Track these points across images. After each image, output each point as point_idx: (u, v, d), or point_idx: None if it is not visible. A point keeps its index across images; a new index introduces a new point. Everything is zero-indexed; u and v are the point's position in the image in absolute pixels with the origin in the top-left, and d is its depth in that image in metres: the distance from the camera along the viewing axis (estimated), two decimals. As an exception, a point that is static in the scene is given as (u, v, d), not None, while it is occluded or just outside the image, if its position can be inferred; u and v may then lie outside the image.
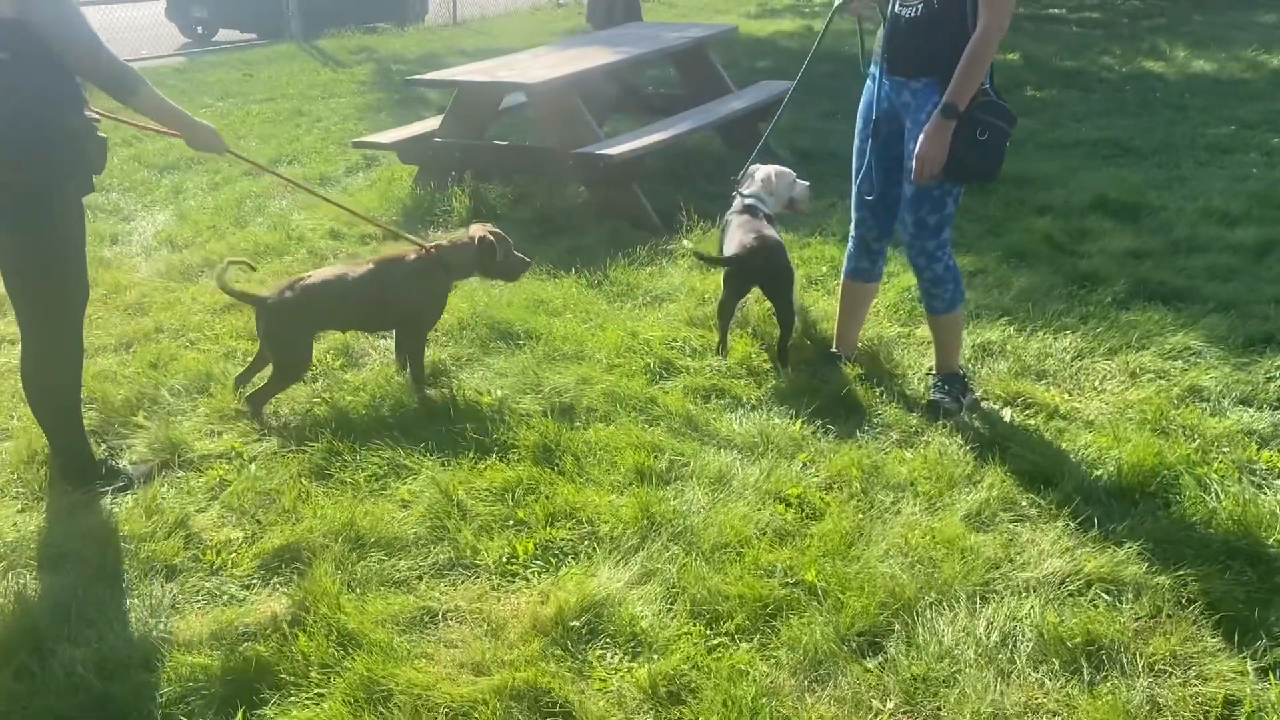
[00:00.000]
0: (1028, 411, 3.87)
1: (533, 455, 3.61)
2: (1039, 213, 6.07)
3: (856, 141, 3.96)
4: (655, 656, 2.67)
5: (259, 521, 3.33)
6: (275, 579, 3.06)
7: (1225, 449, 3.55)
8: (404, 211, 6.48)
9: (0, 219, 3.16)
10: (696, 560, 3.01)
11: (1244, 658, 2.59)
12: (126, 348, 4.62)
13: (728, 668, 2.61)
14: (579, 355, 4.35)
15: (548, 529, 3.23)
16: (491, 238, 4.15)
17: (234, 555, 3.17)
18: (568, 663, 2.66)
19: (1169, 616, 2.75)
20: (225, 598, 3.00)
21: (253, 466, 3.63)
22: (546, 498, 3.36)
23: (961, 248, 5.45)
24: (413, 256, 4.15)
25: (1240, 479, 3.34)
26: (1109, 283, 4.99)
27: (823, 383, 4.05)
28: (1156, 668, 2.58)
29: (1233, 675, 2.54)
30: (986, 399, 3.96)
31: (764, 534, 3.15)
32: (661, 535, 3.14)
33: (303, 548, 3.14)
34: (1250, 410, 3.79)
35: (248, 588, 3.04)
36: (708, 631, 2.76)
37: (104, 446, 3.76)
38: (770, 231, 4.37)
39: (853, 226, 4.11)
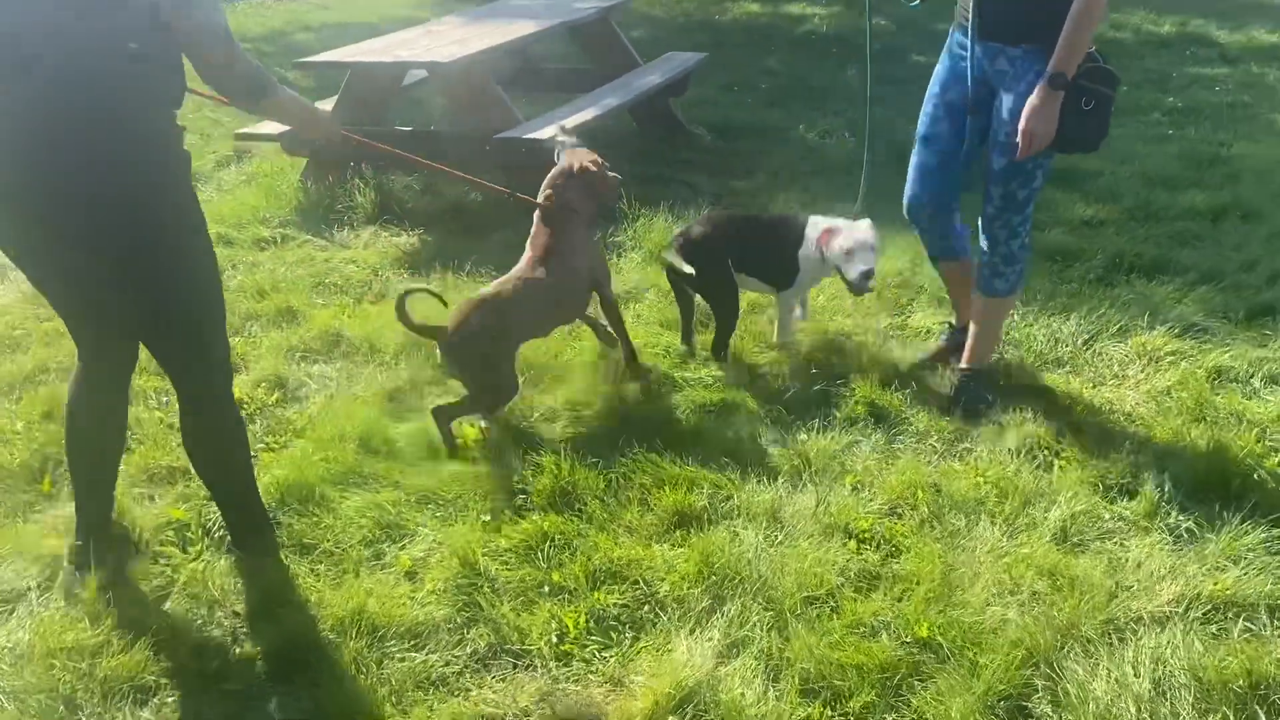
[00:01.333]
0: (1063, 408, 3.60)
1: (549, 501, 3.10)
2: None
3: (928, 110, 3.56)
4: (783, 754, 2.25)
5: (238, 614, 2.72)
6: (281, 691, 2.47)
7: (1278, 435, 3.36)
8: (299, 210, 5.75)
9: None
10: (787, 622, 2.59)
11: None
12: (8, 395, 3.83)
13: (873, 761, 2.21)
14: (560, 372, 3.85)
15: (594, 594, 2.75)
16: (587, 168, 3.73)
17: (219, 663, 2.55)
18: (686, 777, 2.21)
19: (1319, 641, 2.51)
20: (219, 722, 2.40)
21: (205, 542, 2.99)
22: (582, 554, 2.88)
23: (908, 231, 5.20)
24: (568, 228, 3.65)
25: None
26: (1083, 257, 4.82)
27: (837, 388, 3.68)
28: (1334, 706, 2.33)
29: None
30: (1015, 394, 3.67)
31: (848, 580, 2.76)
32: (734, 592, 2.70)
33: (308, 647, 2.56)
34: (1287, 391, 3.63)
35: (249, 706, 2.44)
36: (830, 713, 2.36)
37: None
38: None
39: (906, 202, 3.72)
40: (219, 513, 2.96)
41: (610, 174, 3.83)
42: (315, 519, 3.04)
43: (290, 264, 5.06)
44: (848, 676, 2.43)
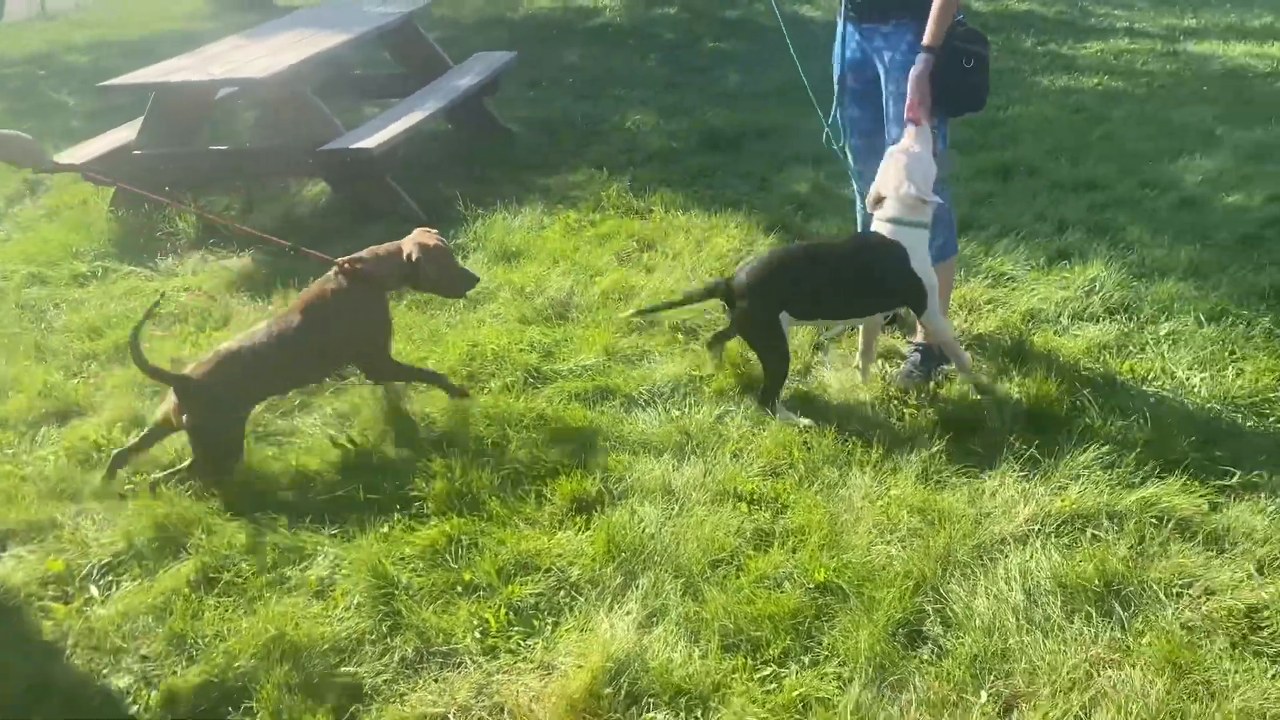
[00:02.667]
0: (895, 358, 3.91)
1: (447, 505, 3.15)
2: (796, 162, 6.20)
3: (837, 97, 3.84)
4: (716, 706, 2.41)
5: (147, 658, 2.65)
6: (212, 729, 2.45)
7: (1092, 365, 3.78)
8: (114, 241, 5.50)
9: None
10: (698, 586, 2.76)
11: (1235, 560, 2.76)
12: None
13: (799, 699, 2.40)
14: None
15: (509, 587, 2.83)
16: (427, 251, 3.55)
17: (138, 708, 2.50)
18: (632, 740, 2.33)
19: (1151, 538, 2.87)
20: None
21: (94, 589, 2.89)
22: (490, 551, 2.95)
23: (738, 205, 5.48)
24: (336, 285, 3.48)
25: (1122, 393, 3.56)
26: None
27: (705, 366, 3.87)
28: (1172, 591, 2.68)
29: (1237, 582, 2.69)
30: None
31: (745, 540, 2.95)
32: (643, 566, 2.84)
33: (232, 679, 2.53)
34: (1091, 325, 4.07)
35: (178, 747, 2.40)
36: (752, 663, 2.53)
37: None
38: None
39: (853, 180, 3.96)
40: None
41: (460, 268, 3.72)
42: (211, 551, 2.98)
43: (118, 298, 4.85)
44: (762, 627, 2.61)
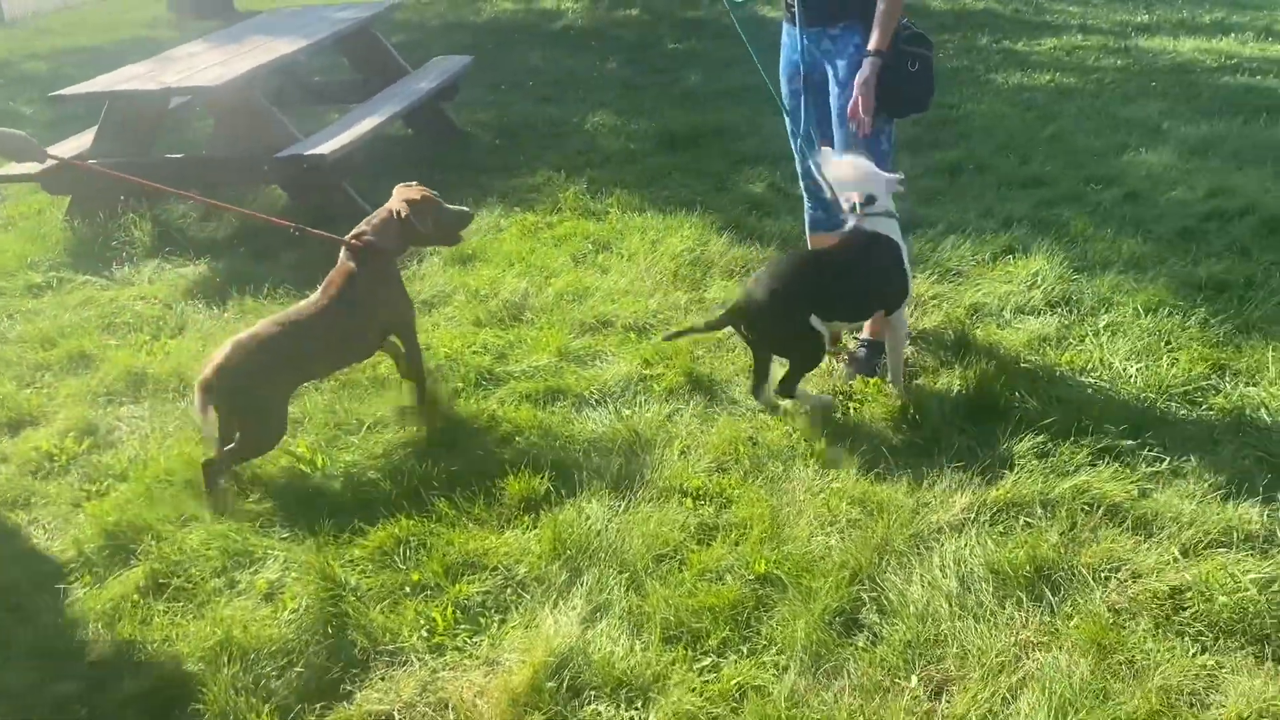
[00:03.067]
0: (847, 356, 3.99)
1: (395, 505, 3.20)
2: (752, 162, 6.27)
3: (786, 100, 3.90)
4: (655, 696, 2.47)
5: (94, 664, 2.68)
6: (160, 731, 2.48)
7: (1032, 357, 3.86)
8: (69, 251, 5.50)
9: None
10: (642, 581, 2.82)
11: (1162, 544, 2.84)
12: None
13: (736, 687, 2.47)
14: (378, 383, 3.92)
15: (456, 586, 2.88)
16: (414, 207, 3.58)
17: (86, 713, 2.53)
18: (572, 732, 2.39)
19: (1083, 524, 2.95)
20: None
21: (45, 599, 2.92)
22: (438, 551, 3.00)
23: (693, 205, 5.54)
24: (355, 264, 3.51)
25: (1060, 384, 3.65)
26: (849, 220, 5.27)
27: (656, 364, 3.93)
28: (1100, 576, 2.77)
29: (1163, 565, 2.77)
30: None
31: (689, 534, 3.01)
32: (589, 562, 2.90)
33: (180, 682, 2.57)
34: (1032, 318, 4.16)
35: (127, 752, 2.43)
36: (692, 654, 2.59)
37: None
38: None
39: (801, 179, 4.02)
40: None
41: (449, 209, 3.72)
42: (161, 557, 3.01)
43: (73, 308, 4.85)
44: (703, 619, 2.67)
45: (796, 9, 3.69)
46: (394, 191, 3.70)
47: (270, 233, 5.62)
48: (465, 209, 3.83)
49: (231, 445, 3.31)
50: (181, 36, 8.22)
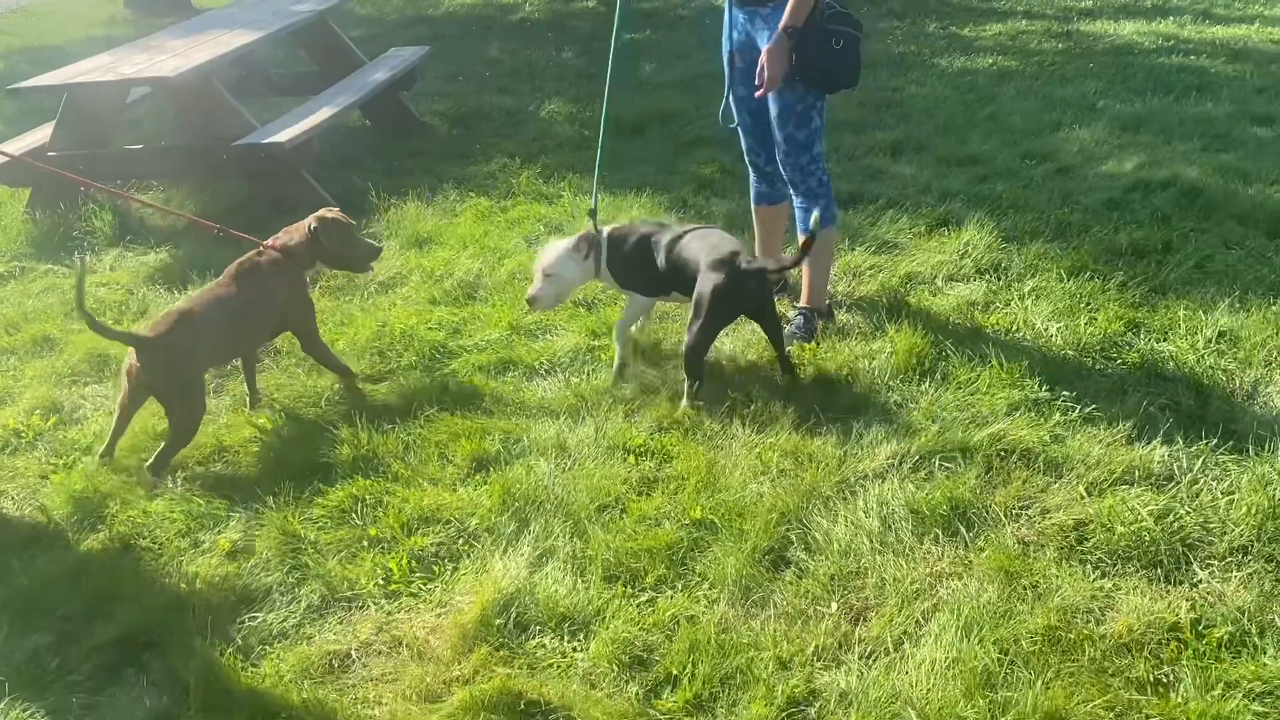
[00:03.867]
0: (787, 322, 4.17)
1: (353, 468, 3.36)
2: (700, 146, 6.46)
3: (727, 75, 4.07)
4: (595, 629, 2.64)
5: (66, 618, 2.82)
6: (129, 671, 2.63)
7: (960, 320, 4.07)
8: (31, 242, 5.60)
9: None
10: (585, 529, 2.99)
11: (1070, 484, 3.05)
12: None
13: (670, 618, 2.65)
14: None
15: (410, 539, 3.04)
16: (323, 223, 3.77)
17: (59, 661, 2.67)
18: (518, 661, 2.56)
19: (998, 468, 3.15)
20: (76, 712, 2.53)
21: (14, 562, 3.06)
22: (393, 509, 3.16)
23: (642, 187, 5.71)
24: (264, 259, 3.71)
25: (985, 344, 3.86)
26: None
27: (603, 335, 4.11)
28: (1011, 513, 2.97)
29: (1069, 502, 2.98)
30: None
31: (630, 487, 3.19)
32: (536, 514, 3.07)
33: (149, 629, 2.72)
34: (962, 285, 4.37)
35: (99, 693, 2.58)
36: (631, 590, 2.77)
37: None
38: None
39: (745, 155, 4.21)
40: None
41: (362, 240, 3.96)
42: (127, 521, 3.16)
43: (36, 295, 4.96)
44: (640, 560, 2.85)
45: None
46: (317, 211, 3.90)
47: (230, 220, 5.72)
48: (376, 245, 4.04)
49: (165, 443, 3.42)
50: (139, 35, 8.28)
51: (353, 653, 2.64)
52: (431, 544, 3.02)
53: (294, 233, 3.82)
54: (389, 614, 2.78)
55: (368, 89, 6.45)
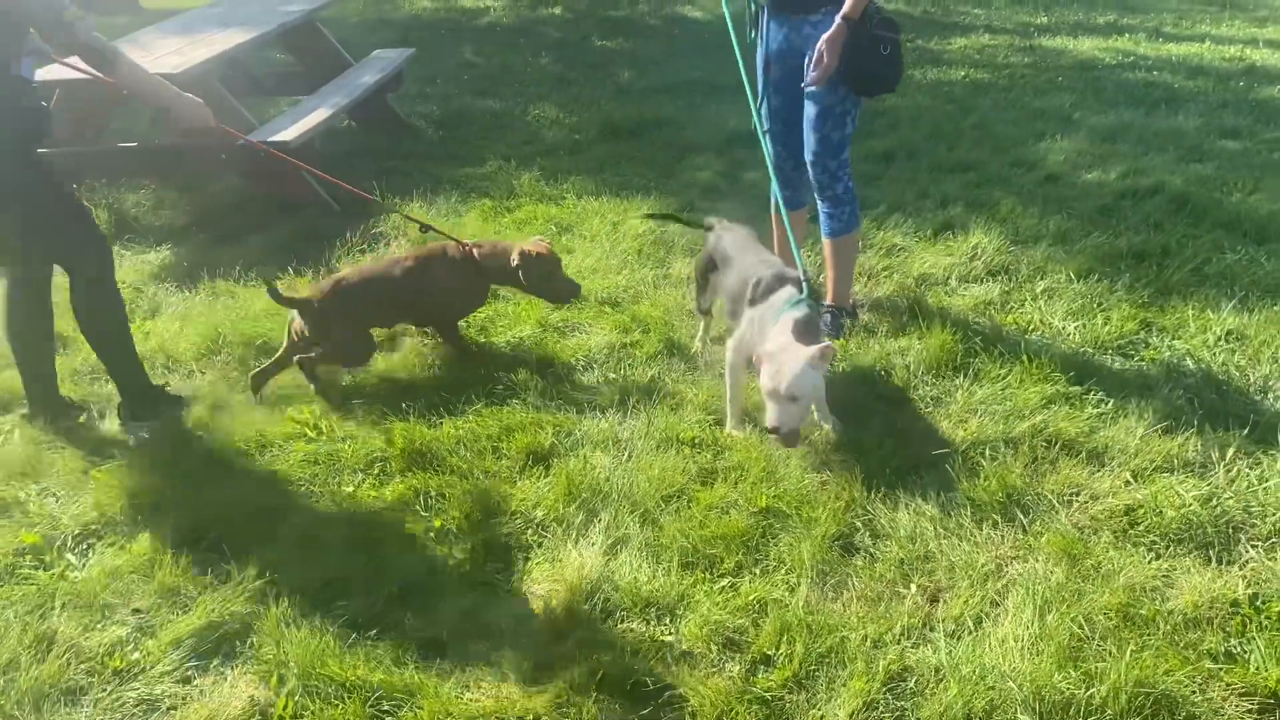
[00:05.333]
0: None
1: (408, 462, 3.37)
2: (697, 151, 6.55)
3: (762, 90, 4.07)
4: (683, 613, 2.70)
5: (139, 611, 2.80)
6: (215, 661, 2.62)
7: (980, 319, 4.21)
8: (24, 239, 5.46)
9: None
10: (655, 518, 3.05)
11: (1114, 471, 3.19)
12: None
13: (756, 602, 2.72)
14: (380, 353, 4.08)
15: (478, 533, 3.07)
16: (528, 258, 3.93)
17: (140, 655, 2.65)
18: (613, 645, 2.60)
19: (1043, 457, 3.28)
20: (166, 705, 2.51)
21: (71, 556, 3.02)
22: (455, 501, 3.18)
23: (647, 190, 5.79)
24: (451, 252, 4.03)
25: (1008, 341, 4.00)
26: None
27: (634, 332, 4.17)
28: (1063, 499, 3.10)
29: (1116, 489, 3.12)
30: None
31: (692, 478, 3.25)
32: (602, 505, 3.12)
33: (230, 619, 2.71)
34: (976, 286, 4.52)
35: (189, 684, 2.56)
36: (710, 576, 2.84)
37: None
38: None
39: (769, 162, 4.11)
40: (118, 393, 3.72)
41: (564, 277, 4.07)
42: (189, 513, 3.14)
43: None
44: (715, 546, 2.92)
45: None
46: (530, 239, 4.16)
47: (230, 218, 5.73)
48: (576, 283, 4.13)
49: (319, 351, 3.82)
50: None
51: (444, 639, 2.66)
52: (501, 535, 3.05)
53: (499, 253, 4.00)
54: (472, 602, 2.80)
55: (360, 90, 6.43)
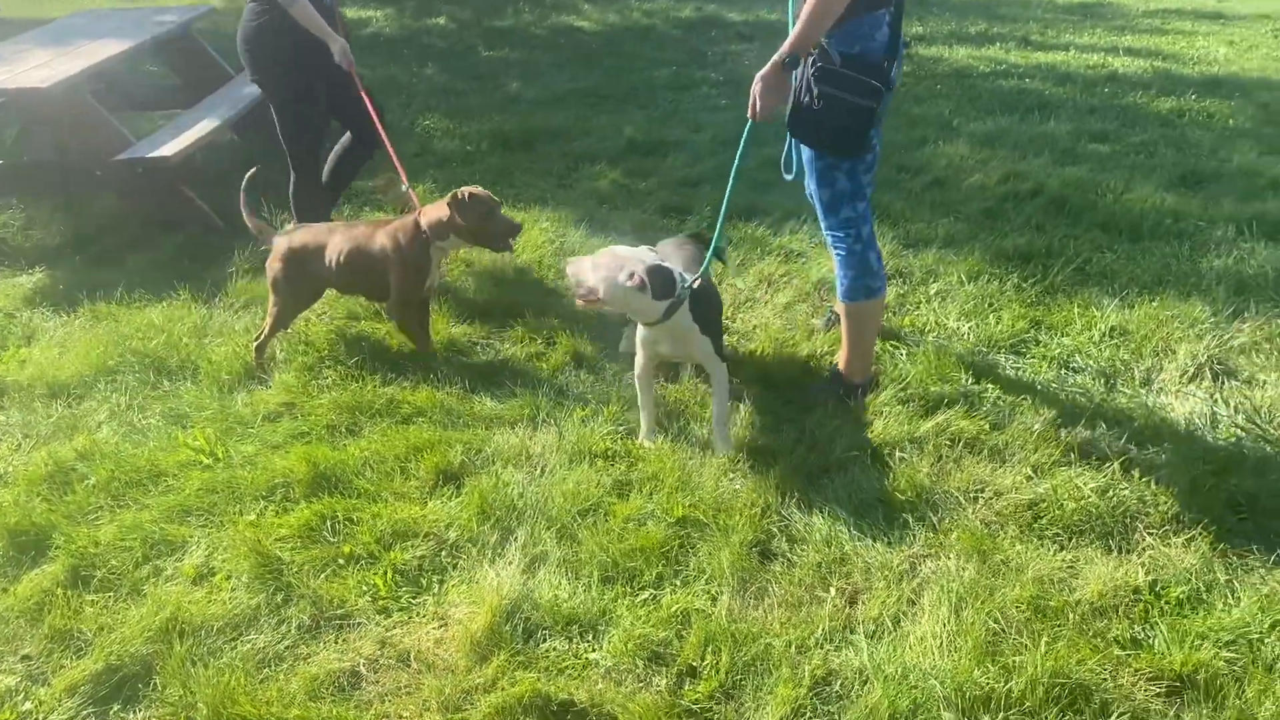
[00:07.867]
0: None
1: (313, 487, 3.26)
2: (590, 161, 6.54)
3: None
4: (605, 628, 2.67)
5: (28, 658, 2.63)
6: (115, 707, 2.48)
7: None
8: (-122, 264, 5.13)
9: None
10: (572, 533, 3.01)
11: (1015, 467, 3.28)
12: None
13: (679, 613, 2.70)
14: (254, 376, 3.94)
15: (390, 554, 2.98)
16: (461, 201, 3.83)
17: (31, 704, 2.49)
18: (536, 666, 2.56)
19: (947, 456, 3.36)
20: (62, 755, 2.37)
21: (-50, 603, 2.83)
22: (365, 525, 3.09)
23: (544, 201, 5.76)
24: (394, 222, 4.04)
25: (903, 343, 4.09)
26: (692, 211, 5.63)
27: (546, 344, 4.13)
28: (970, 495, 3.17)
29: (1019, 484, 3.21)
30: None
31: (606, 490, 3.22)
32: (517, 522, 3.07)
33: (130, 662, 2.57)
34: (873, 289, 4.60)
35: (86, 732, 2.42)
36: (631, 589, 2.81)
37: None
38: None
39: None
40: None
41: (502, 218, 3.97)
42: (76, 552, 2.97)
43: (-99, 320, 4.56)
44: (635, 559, 2.90)
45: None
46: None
47: (107, 237, 5.48)
48: (515, 221, 4.06)
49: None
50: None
51: (360, 669, 2.58)
52: (413, 558, 2.98)
53: (437, 210, 3.94)
54: (386, 630, 2.72)
55: (244, 102, 6.21)
